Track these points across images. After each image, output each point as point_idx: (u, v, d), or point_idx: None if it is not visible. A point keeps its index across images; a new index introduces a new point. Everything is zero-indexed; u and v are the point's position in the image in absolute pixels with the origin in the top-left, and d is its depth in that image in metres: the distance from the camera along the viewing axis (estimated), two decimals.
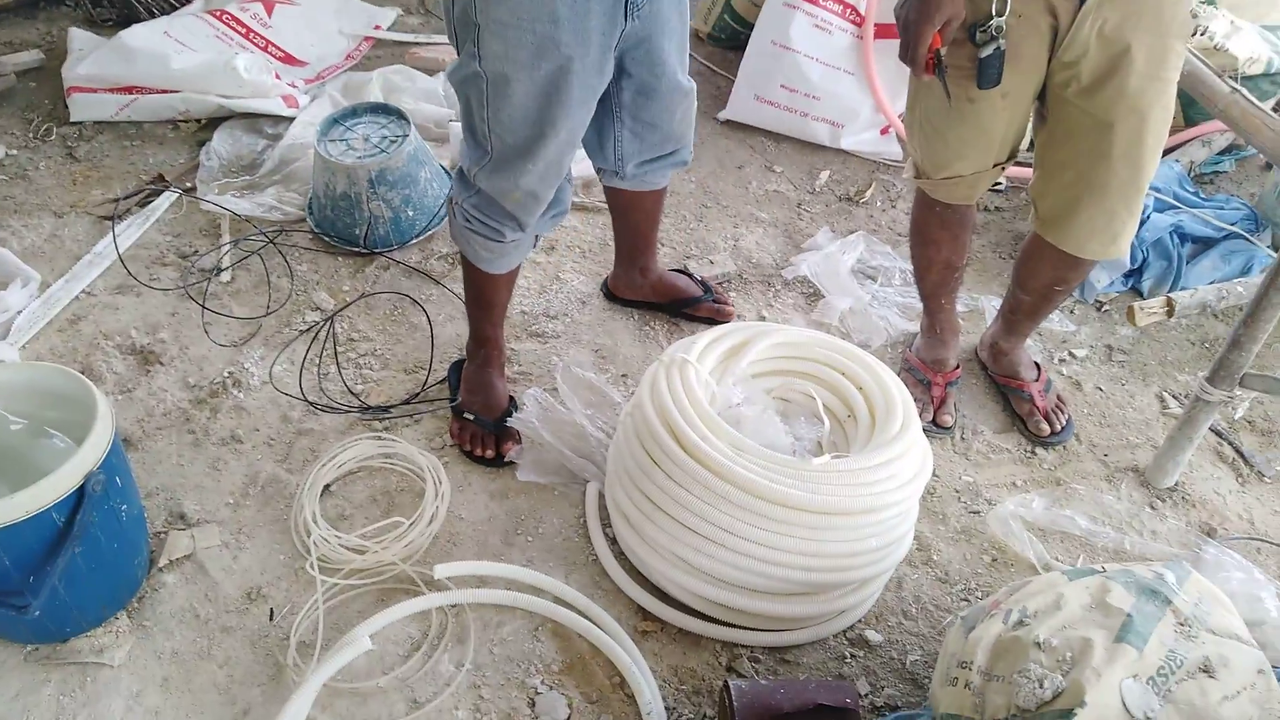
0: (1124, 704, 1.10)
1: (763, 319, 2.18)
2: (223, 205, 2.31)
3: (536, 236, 1.73)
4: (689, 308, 2.13)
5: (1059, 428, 1.92)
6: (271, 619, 1.54)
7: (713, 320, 2.07)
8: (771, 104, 2.72)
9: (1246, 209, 2.41)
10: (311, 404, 1.87)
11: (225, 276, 2.16)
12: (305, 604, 1.54)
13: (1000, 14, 1.45)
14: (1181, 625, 1.21)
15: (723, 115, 2.79)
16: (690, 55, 1.74)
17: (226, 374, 1.93)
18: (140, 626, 1.51)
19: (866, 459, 1.49)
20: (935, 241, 1.85)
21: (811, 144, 2.73)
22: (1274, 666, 1.21)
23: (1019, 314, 1.93)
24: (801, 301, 2.24)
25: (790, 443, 1.62)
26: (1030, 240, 1.80)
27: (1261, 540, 1.76)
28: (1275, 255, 2.05)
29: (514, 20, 1.36)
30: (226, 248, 2.22)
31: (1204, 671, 1.16)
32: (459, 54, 1.47)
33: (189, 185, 2.41)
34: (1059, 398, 1.98)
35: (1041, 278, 1.81)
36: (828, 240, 2.37)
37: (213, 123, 2.59)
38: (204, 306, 2.07)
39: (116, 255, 2.16)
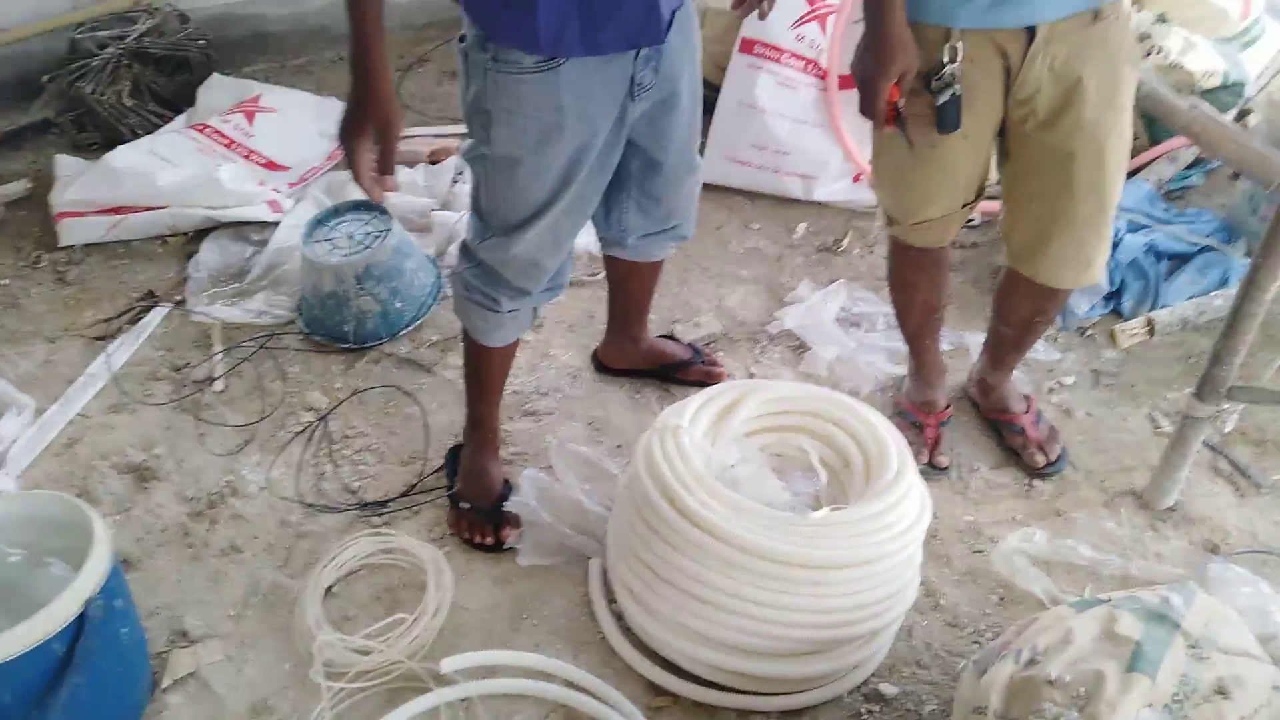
0: None
1: (752, 376, 2.19)
2: (213, 315, 2.35)
3: (534, 312, 1.75)
4: (679, 372, 2.15)
5: (1054, 458, 1.92)
6: None
7: (703, 382, 2.08)
8: (743, 163, 2.77)
9: (1219, 221, 2.44)
10: (309, 506, 1.88)
11: (218, 386, 2.19)
12: (313, 712, 1.53)
13: (952, 61, 1.49)
14: (1192, 648, 1.20)
15: None
16: None
17: (224, 483, 1.94)
18: None
19: (865, 508, 1.49)
20: (913, 285, 1.87)
21: (786, 198, 2.77)
22: None
23: (1003, 347, 1.95)
24: (789, 355, 2.26)
25: (788, 499, 1.62)
26: (1006, 275, 1.83)
27: (1265, 552, 1.75)
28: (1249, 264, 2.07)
29: (520, 109, 1.41)
30: (218, 357, 2.25)
31: (1219, 694, 1.15)
32: (471, 136, 1.53)
33: (179, 298, 2.45)
34: (1051, 428, 1.98)
35: (1021, 310, 1.83)
36: (809, 292, 2.40)
37: (200, 234, 2.64)
38: (198, 418, 2.09)
39: (109, 375, 2.19)
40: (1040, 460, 1.91)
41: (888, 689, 1.57)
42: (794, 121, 2.73)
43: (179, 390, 2.18)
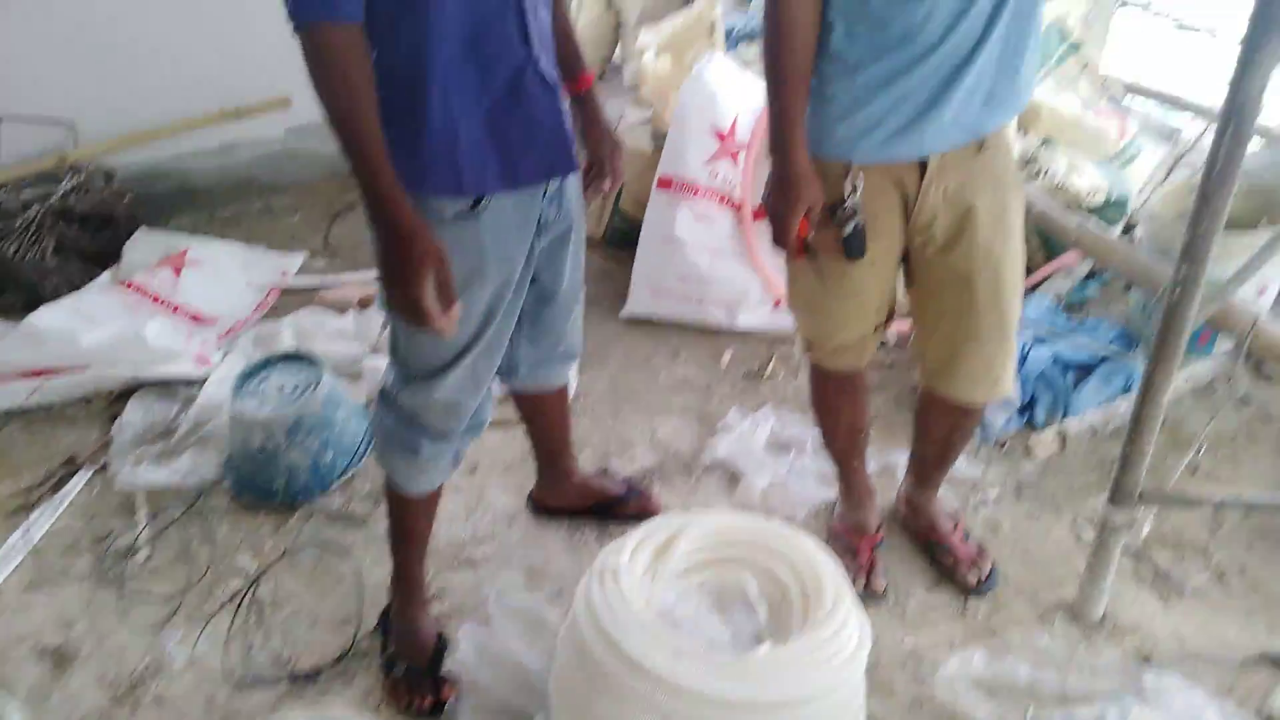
0: None
1: (688, 508, 2.21)
2: (137, 481, 2.30)
3: (456, 454, 1.76)
4: (615, 508, 2.16)
5: (985, 575, 1.96)
6: None
7: (640, 516, 2.09)
8: (668, 295, 2.86)
9: (1118, 329, 2.58)
10: (238, 682, 1.81)
11: (142, 556, 2.12)
12: None
13: (854, 193, 1.58)
14: None
15: (624, 313, 2.91)
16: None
17: (147, 662, 1.86)
18: None
19: (804, 641, 1.49)
20: (836, 409, 1.93)
21: (711, 328, 2.85)
22: None
23: (926, 465, 2.01)
24: (723, 484, 2.29)
25: (729, 636, 1.62)
26: (922, 394, 1.90)
27: (1194, 658, 1.79)
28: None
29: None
30: (143, 524, 2.19)
31: None
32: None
33: (102, 463, 2.40)
34: (979, 545, 2.03)
35: (939, 428, 1.90)
36: (739, 419, 2.45)
37: (125, 393, 2.61)
38: (121, 592, 2.02)
39: (27, 550, 2.11)
40: (973, 579, 1.95)
41: None
42: (713, 253, 2.84)
43: (101, 562, 2.11)
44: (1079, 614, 1.89)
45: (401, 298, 1.33)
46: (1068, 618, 1.89)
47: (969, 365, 1.73)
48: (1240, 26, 1.38)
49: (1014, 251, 1.66)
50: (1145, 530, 1.88)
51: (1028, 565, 2.03)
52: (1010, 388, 1.80)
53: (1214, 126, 1.44)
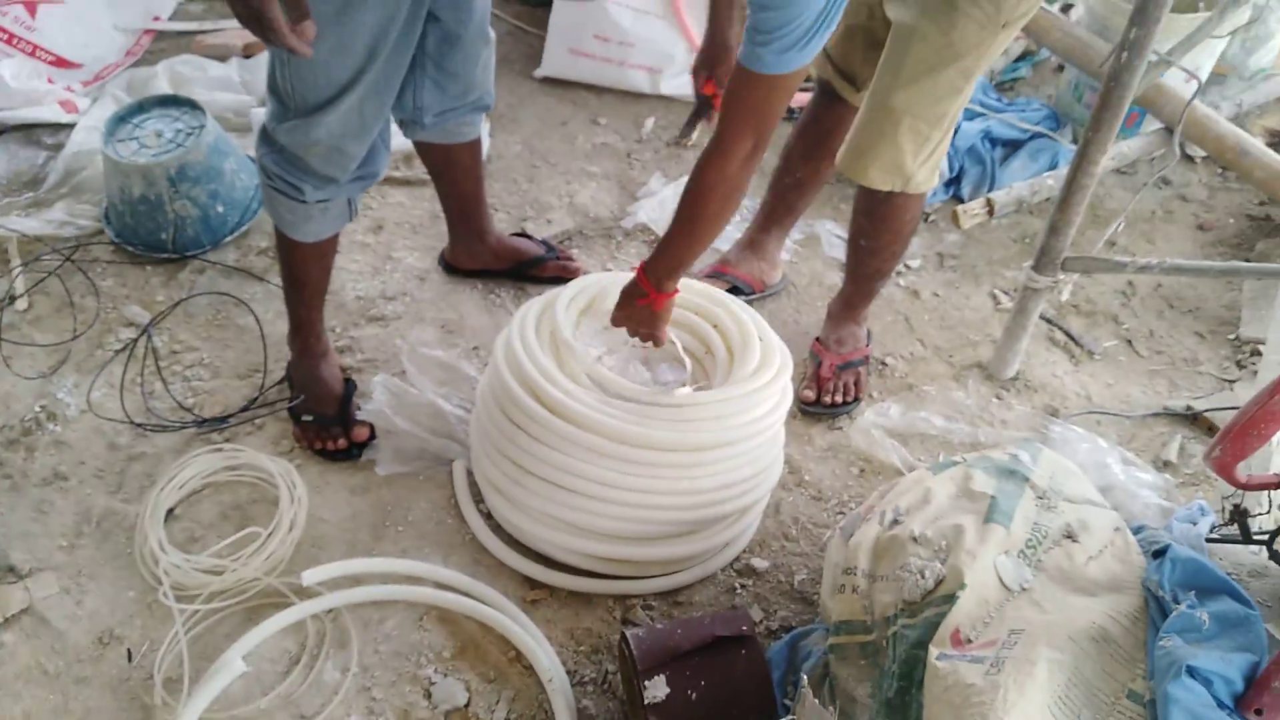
0: (1000, 579, 1.14)
1: (609, 271, 2.15)
2: (7, 227, 2.08)
3: (351, 207, 1.62)
4: (533, 269, 2.08)
5: (828, 400, 1.85)
6: (130, 660, 1.41)
7: (559, 278, 2.02)
8: (587, 55, 2.67)
9: (1047, 109, 2.55)
10: (139, 426, 1.72)
11: (21, 304, 1.95)
12: (165, 637, 1.42)
13: None
14: (1041, 499, 1.27)
15: (539, 73, 2.72)
16: (497, 14, 1.67)
17: (38, 408, 1.74)
18: None
19: (728, 390, 1.49)
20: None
21: (633, 93, 2.70)
22: (1126, 523, 1.28)
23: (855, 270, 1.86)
24: (644, 249, 2.22)
25: (655, 389, 1.61)
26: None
27: (1100, 412, 1.88)
28: (1076, 148, 2.18)
29: None
30: (18, 272, 2.01)
31: (1068, 538, 1.22)
32: None
33: None
34: (857, 380, 1.89)
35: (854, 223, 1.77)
36: (661, 185, 2.36)
37: None
38: (2, 340, 1.86)
39: None
40: (810, 395, 1.85)
41: (759, 563, 1.60)
42: (637, 11, 2.64)
43: None
44: (993, 373, 1.95)
45: (243, 4, 1.14)
46: (982, 376, 1.95)
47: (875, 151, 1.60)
48: None
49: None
50: (1065, 295, 1.92)
51: (945, 329, 2.07)
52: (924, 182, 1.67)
53: None
